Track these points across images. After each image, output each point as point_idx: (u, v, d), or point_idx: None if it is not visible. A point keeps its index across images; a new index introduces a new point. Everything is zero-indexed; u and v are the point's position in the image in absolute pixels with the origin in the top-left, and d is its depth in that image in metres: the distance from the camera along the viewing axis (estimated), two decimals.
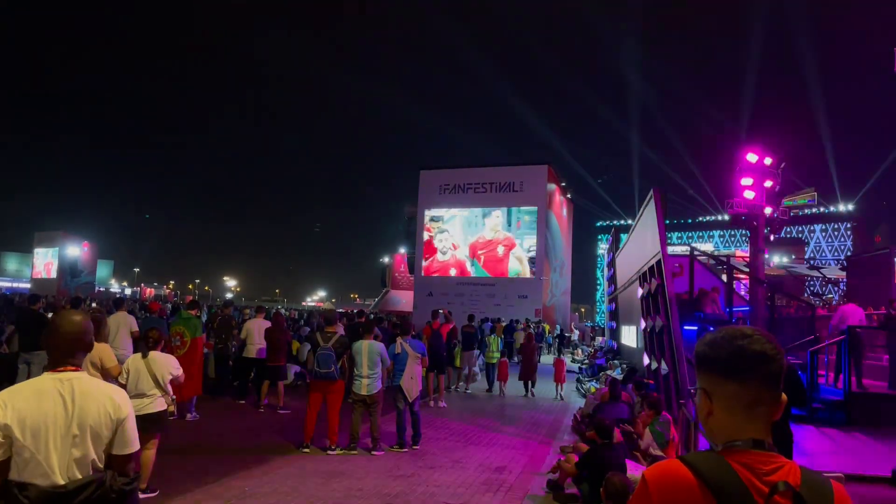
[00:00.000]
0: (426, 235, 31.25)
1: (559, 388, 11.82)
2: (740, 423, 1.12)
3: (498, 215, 30.02)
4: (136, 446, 1.95)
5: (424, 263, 31.24)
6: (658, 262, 7.78)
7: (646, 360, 8.99)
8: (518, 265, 29.27)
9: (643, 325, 9.20)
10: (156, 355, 4.86)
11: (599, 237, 52.80)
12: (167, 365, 4.83)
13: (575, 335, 26.18)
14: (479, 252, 30.15)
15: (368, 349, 6.52)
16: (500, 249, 29.77)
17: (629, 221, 45.08)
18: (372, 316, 15.53)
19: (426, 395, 10.20)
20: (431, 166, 33.01)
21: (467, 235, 30.41)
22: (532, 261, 28.94)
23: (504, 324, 19.64)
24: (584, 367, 15.53)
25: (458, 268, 30.46)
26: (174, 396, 4.97)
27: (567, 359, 18.40)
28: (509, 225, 29.76)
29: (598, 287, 53.22)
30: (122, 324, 7.84)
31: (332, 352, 6.30)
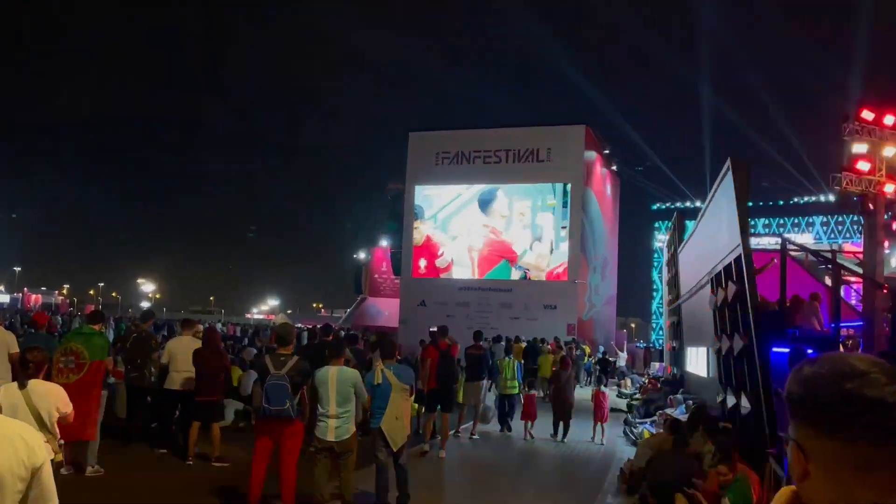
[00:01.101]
0: (417, 223, 31.31)
1: (600, 430, 11.85)
2: (848, 489, 1.09)
3: (515, 194, 30.04)
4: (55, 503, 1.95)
5: (418, 267, 31.37)
6: (737, 260, 7.77)
7: (720, 395, 8.99)
8: (543, 263, 29.33)
9: (716, 345, 9.19)
10: (38, 385, 4.80)
11: (657, 225, 52.84)
12: (54, 397, 4.79)
13: (622, 360, 26.26)
14: (490, 245, 30.23)
15: (337, 379, 6.50)
16: (519, 241, 29.82)
17: (698, 204, 45.16)
18: (342, 333, 15.53)
19: (421, 439, 10.24)
20: (425, 128, 33.02)
21: (473, 222, 30.45)
22: (563, 258, 29.01)
23: (524, 344, 19.70)
24: (634, 403, 15.56)
25: (461, 266, 30.53)
26: (62, 441, 4.94)
27: (611, 392, 18.44)
28: (532, 208, 29.82)
29: (655, 294, 53.30)
30: None
31: (286, 382, 6.29)
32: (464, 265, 30.54)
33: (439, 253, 31.07)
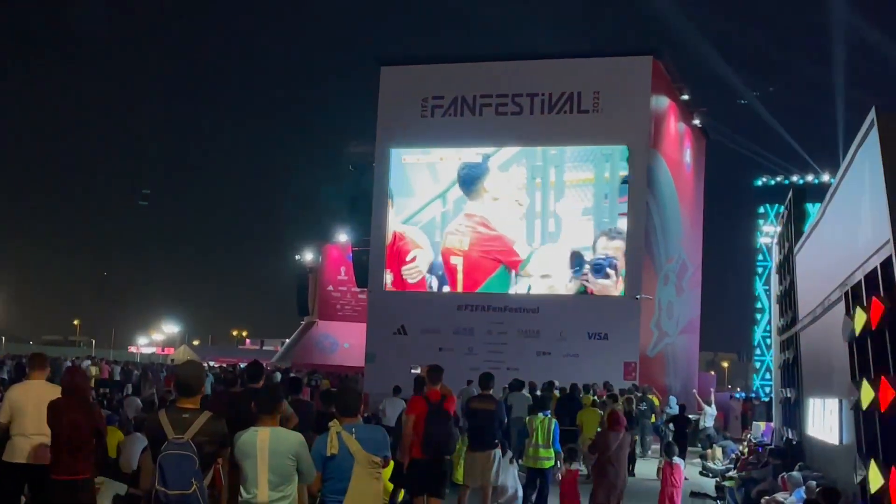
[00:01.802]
0: (394, 208, 31.36)
1: None
2: None
3: (544, 162, 30.10)
4: None
5: (393, 276, 31.32)
6: (886, 264, 7.77)
7: (859, 472, 8.98)
8: (587, 272, 29.39)
9: (853, 397, 9.18)
10: None
11: (762, 210, 52.96)
12: None
13: (709, 418, 26.24)
14: (479, 243, 30.32)
15: (270, 447, 6.53)
16: (548, 238, 29.88)
17: (825, 178, 45.27)
18: (278, 376, 15.56)
19: None
20: (404, 60, 33.04)
21: (478, 206, 30.55)
22: (614, 264, 29.06)
23: (557, 393, 19.72)
24: (727, 484, 15.60)
25: (457, 275, 30.57)
26: None
27: (690, 466, 18.32)
28: (563, 189, 29.82)
29: (760, 317, 53.40)
30: None
31: (192, 452, 6.27)
32: (458, 272, 30.70)
33: (408, 259, 31.15)
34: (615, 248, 29.20)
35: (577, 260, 29.46)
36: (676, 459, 12.81)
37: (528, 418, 13.18)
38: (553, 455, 12.86)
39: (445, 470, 10.94)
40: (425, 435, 10.37)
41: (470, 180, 30.61)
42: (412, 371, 12.08)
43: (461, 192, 30.77)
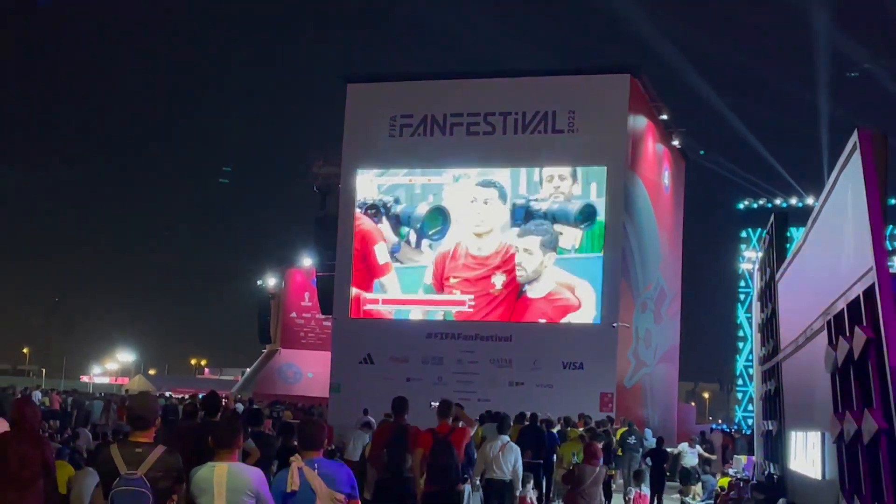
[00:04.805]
0: (362, 225, 31.39)
1: None
2: None
3: (519, 187, 30.25)
4: None
5: (358, 293, 31.36)
6: (869, 291, 7.80)
7: None
8: (562, 297, 29.50)
9: (836, 429, 9.22)
10: None
11: (744, 235, 53.48)
12: None
13: (690, 454, 26.21)
14: (474, 270, 30.35)
15: (228, 483, 6.51)
16: (522, 264, 29.96)
17: (809, 201, 45.73)
18: (238, 407, 15.48)
19: None
20: (371, 78, 33.14)
21: (453, 229, 30.63)
22: (590, 289, 29.14)
23: (528, 422, 19.73)
24: None
25: (432, 301, 30.63)
26: None
27: (669, 501, 18.29)
28: (542, 211, 30.01)
29: (741, 345, 53.78)
30: None
31: (145, 489, 6.25)
32: (436, 298, 30.74)
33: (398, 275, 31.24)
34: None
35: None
36: (643, 490, 12.86)
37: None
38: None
39: (459, 501, 11.20)
40: (430, 467, 10.77)
41: (431, 221, 30.89)
42: (432, 405, 12.30)
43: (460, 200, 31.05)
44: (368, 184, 31.75)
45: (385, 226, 31.40)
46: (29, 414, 9.04)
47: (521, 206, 30.02)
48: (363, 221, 31.51)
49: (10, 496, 8.52)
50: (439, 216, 30.79)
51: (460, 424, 11.76)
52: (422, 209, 31.08)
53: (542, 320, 29.63)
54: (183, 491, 6.52)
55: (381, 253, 31.28)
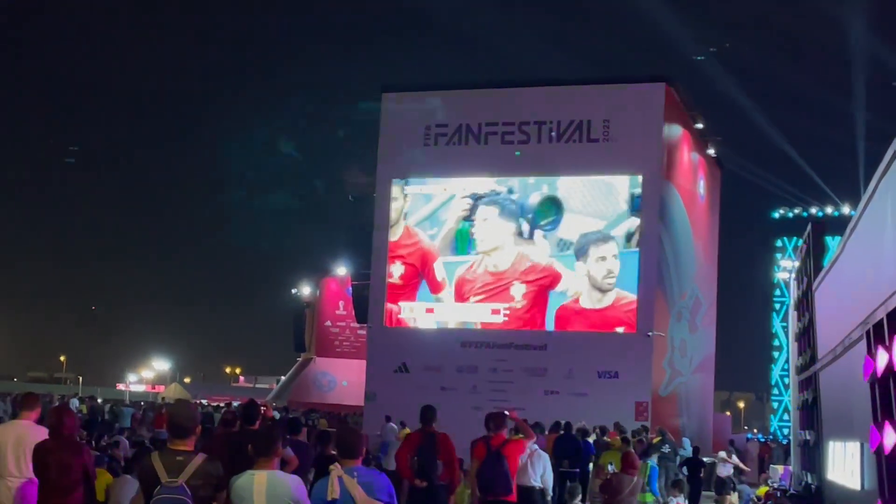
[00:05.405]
0: (397, 234, 31.52)
1: None
2: None
3: (554, 195, 30.20)
4: None
5: (394, 307, 31.43)
6: None
7: None
8: (595, 306, 29.49)
9: (877, 441, 9.17)
10: None
11: (780, 244, 53.00)
12: None
13: (725, 468, 26.03)
14: (508, 279, 30.35)
15: (268, 491, 6.53)
16: (562, 275, 29.92)
17: (846, 210, 45.23)
18: (275, 415, 15.57)
19: None
20: (407, 87, 33.18)
21: (486, 239, 30.62)
22: (627, 297, 29.17)
23: (563, 431, 19.67)
24: None
25: (466, 309, 30.65)
26: None
27: None
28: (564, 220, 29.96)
29: (777, 355, 53.29)
30: None
31: (186, 497, 6.28)
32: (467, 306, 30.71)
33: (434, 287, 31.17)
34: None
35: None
36: (680, 501, 12.79)
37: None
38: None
39: None
40: (478, 477, 10.90)
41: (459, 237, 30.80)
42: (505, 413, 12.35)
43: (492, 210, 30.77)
44: (400, 193, 31.75)
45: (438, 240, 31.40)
46: (67, 421, 9.04)
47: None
48: (422, 238, 31.40)
49: (51, 503, 8.63)
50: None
51: (519, 436, 11.82)
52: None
53: (579, 329, 29.48)
54: (223, 499, 6.53)
55: (438, 270, 31.10)
